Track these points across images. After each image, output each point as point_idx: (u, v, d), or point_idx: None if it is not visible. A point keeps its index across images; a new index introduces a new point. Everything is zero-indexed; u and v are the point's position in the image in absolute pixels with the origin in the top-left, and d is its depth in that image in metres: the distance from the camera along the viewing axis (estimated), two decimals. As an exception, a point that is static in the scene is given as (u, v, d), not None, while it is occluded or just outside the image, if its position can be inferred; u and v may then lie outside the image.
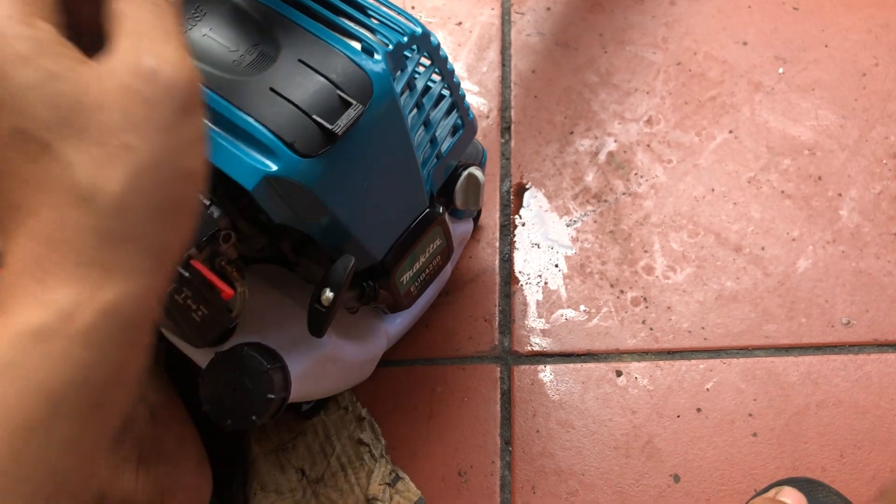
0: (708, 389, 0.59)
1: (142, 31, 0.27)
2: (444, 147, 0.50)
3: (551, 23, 0.78)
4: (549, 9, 0.78)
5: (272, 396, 0.45)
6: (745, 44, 0.73)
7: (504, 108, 0.73)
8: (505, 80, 0.75)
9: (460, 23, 0.79)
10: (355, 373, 0.56)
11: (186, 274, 0.39)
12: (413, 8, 0.43)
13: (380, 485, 0.54)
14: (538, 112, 0.72)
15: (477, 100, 0.74)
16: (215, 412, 0.45)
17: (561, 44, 0.76)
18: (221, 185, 0.41)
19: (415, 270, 0.51)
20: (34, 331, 0.24)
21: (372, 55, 0.41)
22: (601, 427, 0.59)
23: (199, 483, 0.52)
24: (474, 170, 0.53)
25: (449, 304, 0.64)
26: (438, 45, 0.45)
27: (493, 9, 0.80)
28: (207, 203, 0.40)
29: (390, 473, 0.55)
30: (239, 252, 0.45)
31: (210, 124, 0.40)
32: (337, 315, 0.45)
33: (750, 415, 0.58)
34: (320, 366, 0.50)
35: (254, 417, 0.45)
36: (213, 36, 0.42)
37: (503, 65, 0.76)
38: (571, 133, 0.71)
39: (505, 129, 0.72)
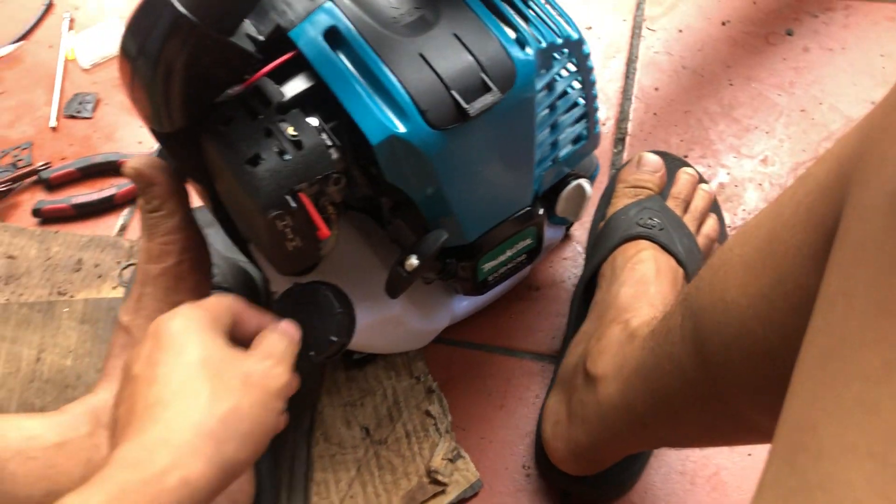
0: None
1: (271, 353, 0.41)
2: (563, 152, 0.50)
3: (681, 45, 0.77)
4: (681, 31, 0.77)
5: (334, 339, 0.46)
6: (872, 103, 0.70)
7: (622, 119, 0.73)
8: (626, 92, 0.74)
9: (590, 27, 0.79)
10: (413, 339, 0.58)
11: (293, 204, 0.41)
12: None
13: (442, 459, 0.55)
14: (655, 129, 0.72)
15: (597, 105, 0.74)
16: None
17: (688, 67, 0.75)
18: (347, 130, 0.42)
19: (499, 261, 0.52)
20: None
21: (524, 47, 0.42)
22: (670, 451, 0.58)
23: None
24: (584, 182, 0.53)
25: (536, 300, 0.65)
26: (589, 54, 0.46)
27: (625, 20, 0.79)
28: (329, 144, 0.42)
29: (453, 450, 0.56)
30: (342, 196, 0.46)
31: (353, 71, 0.41)
32: (412, 281, 0.46)
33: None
34: (384, 324, 0.52)
35: (312, 353, 0.46)
36: (383, -9, 0.43)
37: (627, 76, 0.75)
38: (686, 157, 0.70)
39: (619, 140, 0.72)
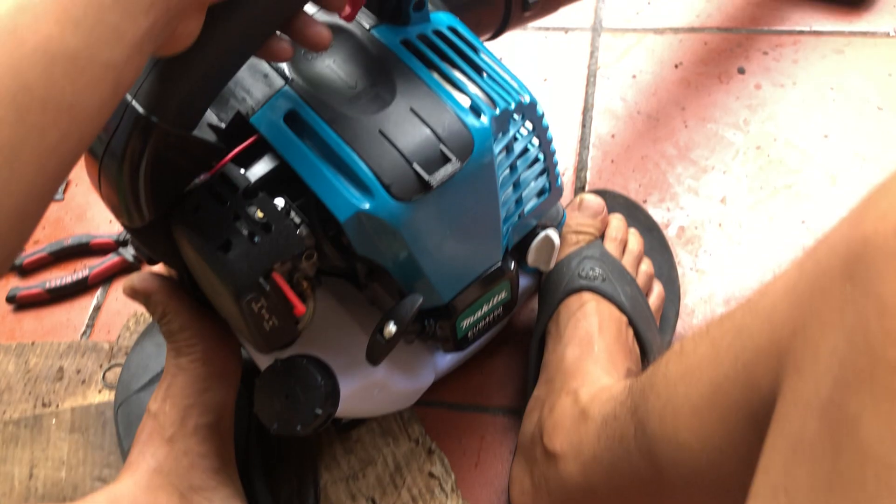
0: None
1: None
2: (527, 207, 0.51)
3: (635, 91, 0.79)
4: (634, 76, 0.79)
5: (319, 412, 0.47)
6: (826, 136, 0.72)
7: (580, 168, 0.74)
8: (584, 141, 0.76)
9: (546, 79, 0.81)
10: (399, 400, 0.58)
11: (267, 286, 0.42)
12: (502, 58, 0.45)
13: None
14: (613, 177, 0.73)
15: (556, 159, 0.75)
16: (265, 414, 0.47)
17: (643, 112, 0.77)
18: (315, 207, 0.43)
19: (477, 317, 0.53)
20: None
21: (479, 116, 0.43)
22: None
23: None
24: (551, 232, 0.55)
25: (508, 354, 0.65)
26: (543, 115, 0.47)
27: (579, 70, 0.81)
28: (298, 222, 0.43)
29: None
30: (315, 269, 0.47)
31: (316, 151, 0.42)
32: (392, 346, 0.47)
33: None
34: (368, 390, 0.52)
35: (298, 427, 0.47)
36: (336, 69, 0.44)
37: (584, 125, 0.77)
38: (645, 202, 0.71)
39: (579, 189, 0.73)
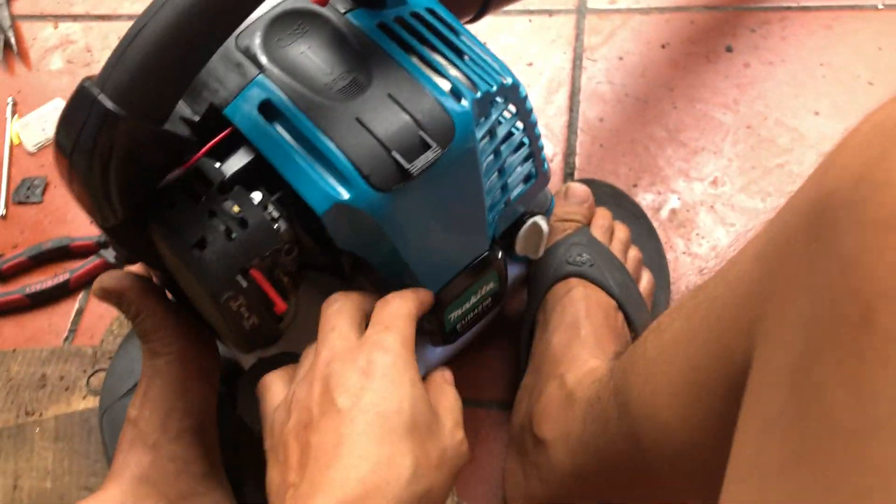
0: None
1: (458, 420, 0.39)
2: (513, 194, 0.50)
3: (623, 73, 0.77)
4: (621, 58, 0.78)
5: (305, 411, 0.46)
6: (816, 114, 0.71)
7: (569, 153, 0.73)
8: (572, 126, 0.75)
9: (531, 63, 0.80)
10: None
11: (244, 283, 0.40)
12: (486, 43, 0.44)
13: None
14: (603, 162, 0.72)
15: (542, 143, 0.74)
16: (249, 415, 0.46)
17: (631, 95, 0.75)
18: (293, 200, 0.42)
19: (465, 309, 0.51)
20: None
21: (459, 100, 0.42)
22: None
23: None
24: (540, 219, 0.53)
25: (501, 347, 0.64)
26: (526, 97, 0.46)
27: (565, 53, 0.80)
28: (276, 216, 0.41)
29: None
30: (296, 265, 0.46)
31: (291, 142, 0.41)
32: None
33: None
34: (356, 386, 0.51)
35: (284, 428, 0.46)
36: (311, 55, 0.43)
37: (571, 110, 0.76)
38: (635, 186, 0.70)
39: (568, 175, 0.72)
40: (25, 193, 0.79)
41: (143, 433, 0.47)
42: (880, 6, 0.76)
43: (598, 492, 0.46)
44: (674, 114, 0.74)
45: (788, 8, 0.78)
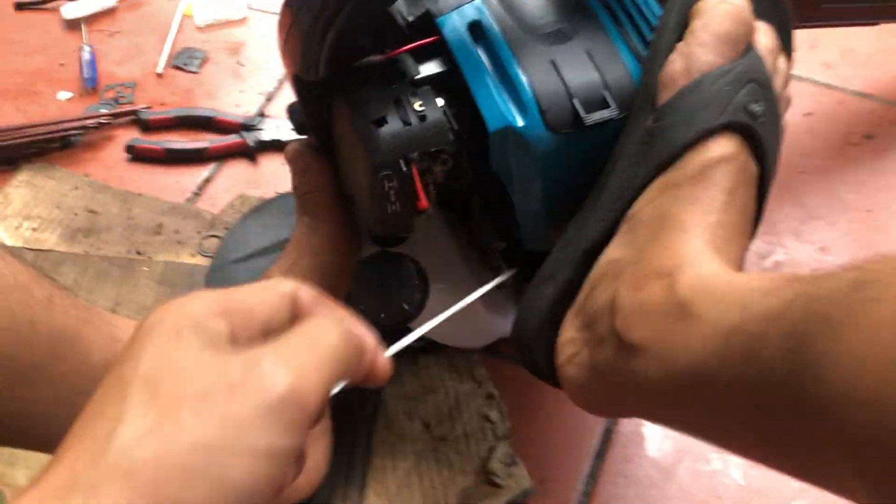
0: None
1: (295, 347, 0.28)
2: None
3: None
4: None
5: (406, 307, 0.49)
6: None
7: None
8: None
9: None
10: (472, 337, 0.60)
11: (403, 169, 0.44)
12: None
13: (499, 462, 0.56)
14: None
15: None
16: (357, 295, 0.50)
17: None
18: (468, 119, 0.46)
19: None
20: None
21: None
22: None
23: None
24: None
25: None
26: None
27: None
28: (449, 126, 0.45)
29: (510, 455, 0.57)
30: (444, 179, 0.49)
31: (487, 64, 0.45)
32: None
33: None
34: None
35: (382, 316, 0.49)
36: (531, 1, 0.47)
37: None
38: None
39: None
40: (185, 60, 0.85)
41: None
42: None
43: (696, 429, 0.37)
44: (800, 178, 0.76)
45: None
